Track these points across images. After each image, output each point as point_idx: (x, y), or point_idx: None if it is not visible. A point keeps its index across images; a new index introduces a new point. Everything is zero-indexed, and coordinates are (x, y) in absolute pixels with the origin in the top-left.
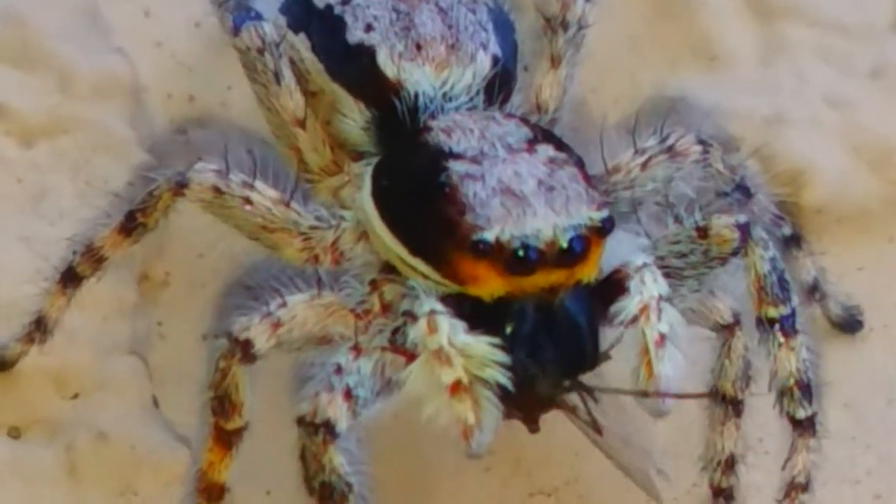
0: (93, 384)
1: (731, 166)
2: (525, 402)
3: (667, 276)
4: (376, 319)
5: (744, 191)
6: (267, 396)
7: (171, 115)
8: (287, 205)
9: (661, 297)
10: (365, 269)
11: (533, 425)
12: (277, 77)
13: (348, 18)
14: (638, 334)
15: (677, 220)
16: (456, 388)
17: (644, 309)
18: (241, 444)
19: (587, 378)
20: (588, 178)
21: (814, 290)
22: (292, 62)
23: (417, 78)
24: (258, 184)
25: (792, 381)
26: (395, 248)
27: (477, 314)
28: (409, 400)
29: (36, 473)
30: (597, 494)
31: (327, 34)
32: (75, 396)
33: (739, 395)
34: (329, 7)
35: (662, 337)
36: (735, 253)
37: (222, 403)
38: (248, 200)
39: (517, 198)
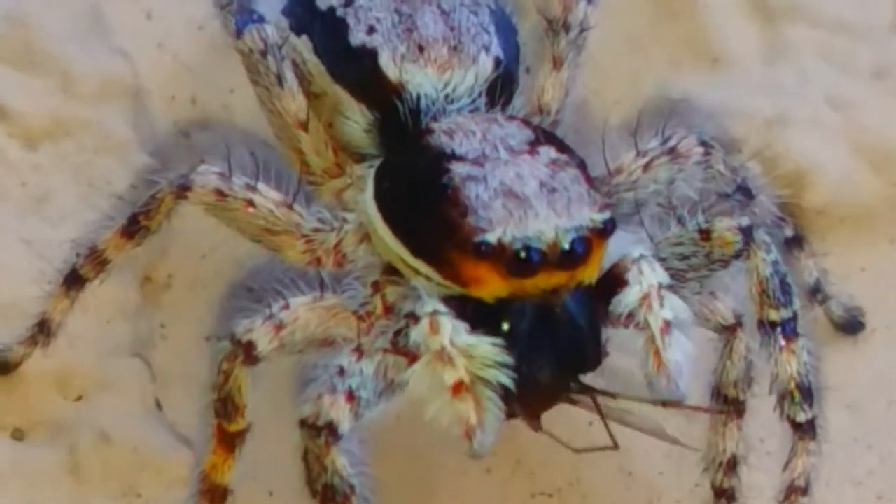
0: (96, 386)
1: (732, 167)
2: (528, 400)
3: (670, 277)
4: (379, 321)
5: (745, 192)
6: (269, 398)
7: (173, 118)
8: (290, 207)
9: (661, 286)
10: (367, 270)
11: (535, 423)
12: (280, 79)
13: (350, 20)
14: (642, 324)
15: (680, 222)
16: (458, 388)
17: (645, 298)
18: (244, 445)
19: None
20: (590, 180)
21: (816, 292)
22: (295, 64)
23: (420, 80)
24: (261, 186)
25: (793, 384)
26: (397, 249)
27: (479, 316)
28: (412, 401)
29: (39, 475)
30: (599, 495)
31: (330, 36)
32: (78, 398)
33: (741, 396)
34: (331, 9)
35: (667, 324)
36: (737, 256)
37: (225, 405)
38: (250, 203)
39: (519, 199)
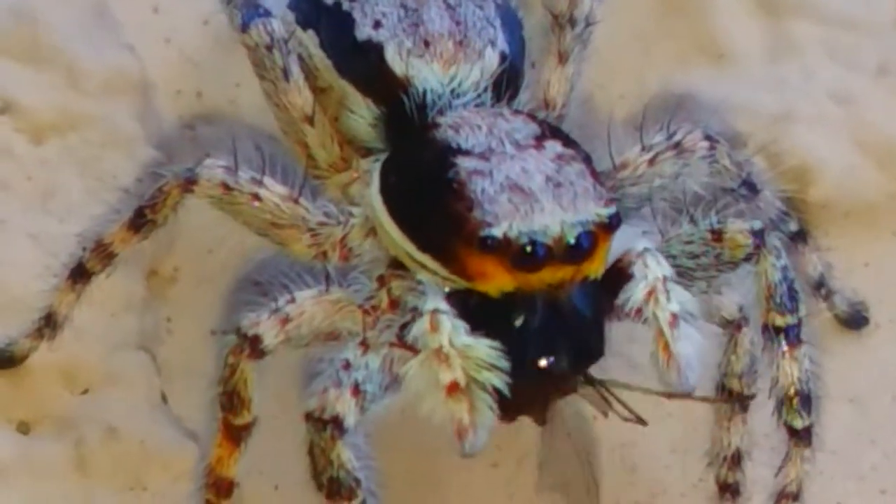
0: (102, 379)
1: (737, 162)
2: (533, 395)
3: (677, 275)
4: (384, 315)
5: (750, 187)
6: (275, 392)
7: (179, 112)
8: (295, 201)
9: (666, 279)
10: (373, 264)
11: (540, 418)
12: (286, 73)
13: (357, 15)
14: (649, 318)
15: (692, 220)
16: (453, 388)
17: (651, 292)
18: (250, 439)
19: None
20: (595, 175)
21: (820, 286)
22: (301, 59)
23: (426, 74)
24: (267, 180)
25: (792, 390)
26: (403, 244)
27: (484, 310)
28: (412, 395)
29: (45, 468)
30: (603, 489)
31: (336, 31)
32: (84, 392)
33: (746, 390)
34: (337, 3)
35: (675, 316)
36: (747, 259)
37: (231, 399)
38: (256, 196)
39: (525, 194)
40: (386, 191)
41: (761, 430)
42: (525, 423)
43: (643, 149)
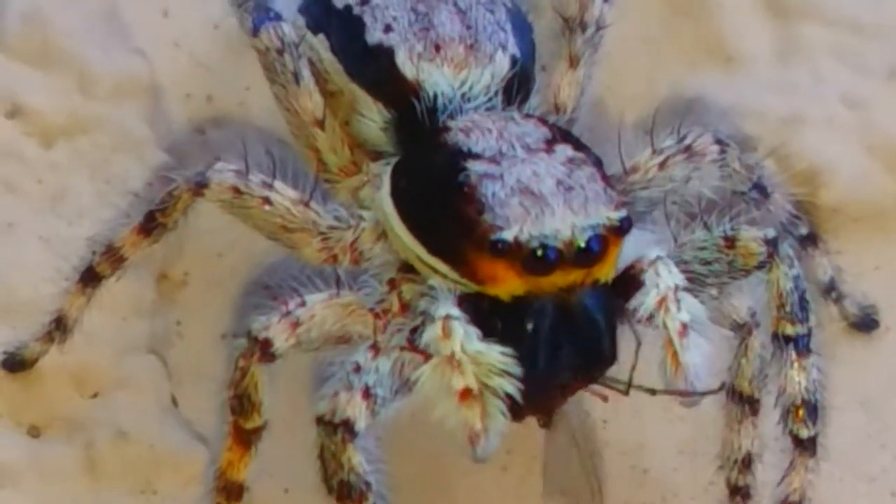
0: (112, 383)
1: (748, 166)
2: (541, 398)
3: (689, 280)
4: (395, 319)
5: (761, 190)
6: (286, 395)
7: (189, 116)
8: (306, 205)
9: (677, 287)
10: (384, 268)
11: (546, 421)
12: (296, 77)
13: (367, 19)
14: (659, 327)
15: (706, 227)
16: (465, 395)
17: (662, 301)
18: (260, 442)
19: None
20: (606, 178)
21: (830, 290)
22: (311, 62)
23: (436, 78)
24: (277, 184)
25: (799, 400)
26: (413, 247)
27: (495, 313)
28: (425, 399)
29: (56, 472)
30: (613, 492)
31: (346, 35)
32: (95, 395)
33: (756, 393)
34: (348, 7)
35: (685, 326)
36: (760, 267)
37: (241, 402)
38: (267, 200)
39: (536, 197)
40: (396, 194)
41: (771, 432)
42: (534, 427)
43: (653, 152)
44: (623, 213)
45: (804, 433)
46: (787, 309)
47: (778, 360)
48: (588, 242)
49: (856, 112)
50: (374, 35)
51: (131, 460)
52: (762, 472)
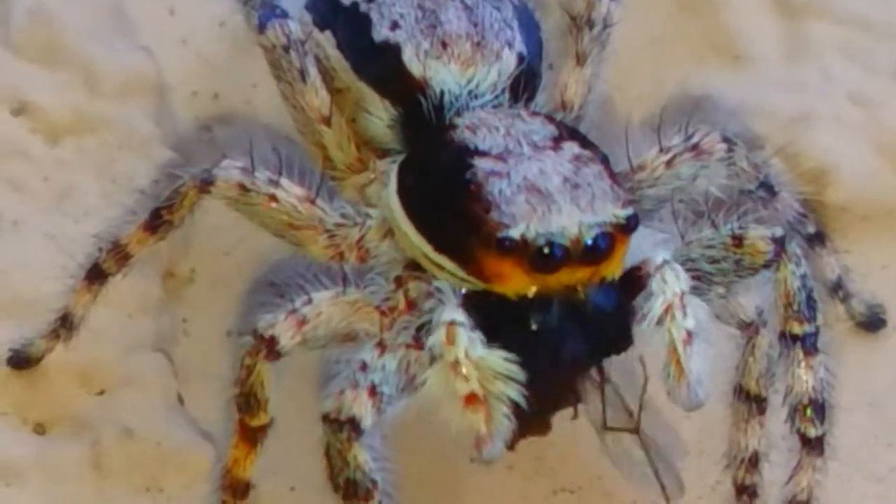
0: (118, 381)
1: (755, 164)
2: (545, 395)
3: (696, 279)
4: (401, 316)
5: (768, 188)
6: (292, 393)
7: (195, 113)
8: (312, 202)
9: (683, 294)
10: (390, 266)
11: (544, 427)
12: (303, 74)
13: (374, 16)
14: (664, 333)
15: (713, 225)
16: (470, 400)
17: (668, 308)
18: (266, 440)
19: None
20: (613, 176)
21: (837, 289)
22: (318, 60)
23: (443, 76)
24: (284, 181)
25: (807, 399)
26: (420, 245)
27: (501, 311)
28: (430, 399)
29: (61, 469)
30: (620, 492)
31: (353, 32)
32: (101, 393)
33: (763, 392)
34: (355, 4)
35: (689, 334)
36: (767, 266)
37: (247, 400)
38: (273, 198)
39: (542, 195)
40: (403, 192)
41: (779, 431)
42: None
43: (661, 150)
44: (630, 210)
45: (812, 432)
46: (795, 308)
47: (785, 359)
48: (595, 240)
49: (864, 110)
50: (381, 32)
51: (137, 458)
52: (769, 471)
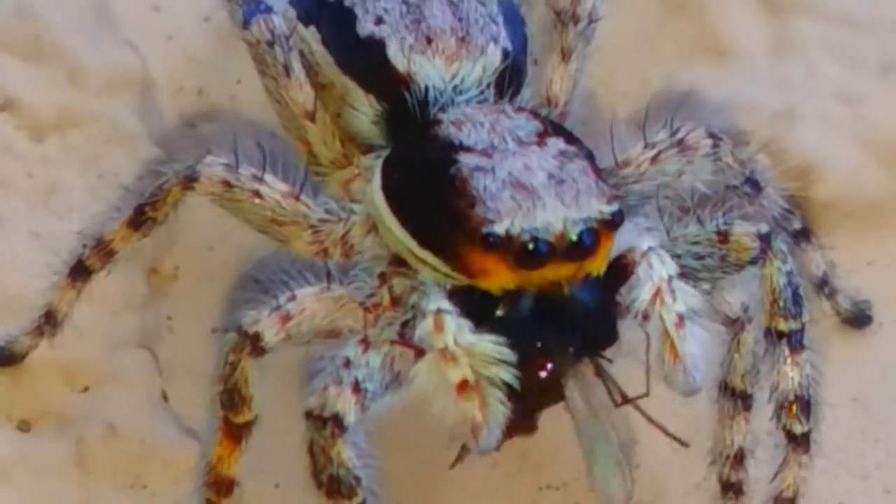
0: (102, 377)
1: (741, 160)
2: (531, 393)
3: (681, 275)
4: (385, 313)
5: (753, 185)
6: (276, 390)
7: (180, 109)
8: (296, 198)
9: (671, 278)
10: (374, 262)
11: (530, 427)
12: (287, 70)
13: (358, 11)
14: (655, 319)
15: (699, 221)
16: (463, 387)
17: (657, 293)
18: (251, 437)
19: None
20: (598, 172)
21: (823, 285)
22: (302, 55)
23: (428, 71)
24: (268, 177)
25: (793, 395)
26: (404, 240)
27: (486, 307)
28: (418, 394)
29: (46, 466)
30: None
31: (337, 27)
32: (85, 390)
33: (749, 389)
34: None
35: (681, 317)
36: (753, 262)
37: (231, 397)
38: (257, 194)
39: (527, 191)
40: (387, 188)
41: (764, 427)
42: None
43: (646, 146)
44: (615, 206)
45: (797, 429)
46: (781, 304)
47: (771, 355)
48: (580, 236)
49: (849, 107)
50: (366, 27)
51: (121, 455)
52: (755, 467)
